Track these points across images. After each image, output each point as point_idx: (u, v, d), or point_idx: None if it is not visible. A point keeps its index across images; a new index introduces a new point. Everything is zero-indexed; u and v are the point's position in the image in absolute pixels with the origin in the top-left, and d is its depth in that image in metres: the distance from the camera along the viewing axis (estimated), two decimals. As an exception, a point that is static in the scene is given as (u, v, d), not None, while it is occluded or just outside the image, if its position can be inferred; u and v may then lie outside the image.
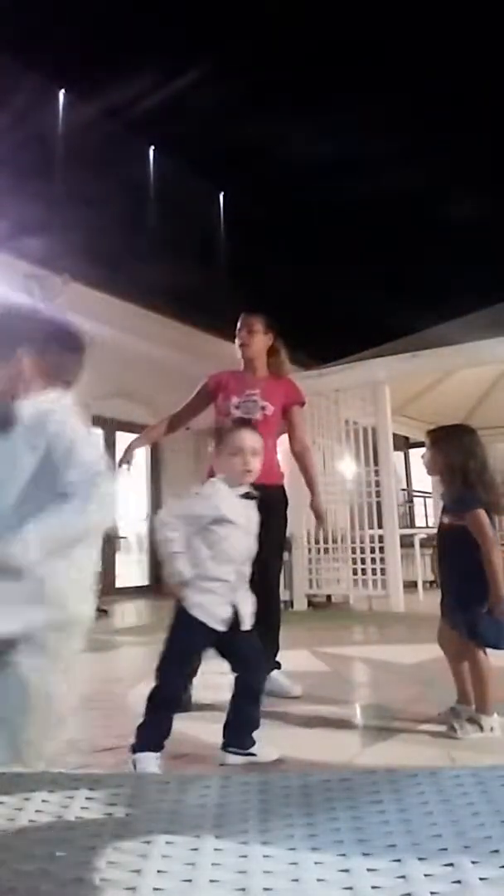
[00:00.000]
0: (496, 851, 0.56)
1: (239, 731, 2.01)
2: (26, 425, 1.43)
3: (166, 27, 14.03)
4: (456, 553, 2.39)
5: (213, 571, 1.98)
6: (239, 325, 3.13)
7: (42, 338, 1.54)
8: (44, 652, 1.37)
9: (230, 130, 13.83)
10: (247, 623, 2.02)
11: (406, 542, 7.25)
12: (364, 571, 6.91)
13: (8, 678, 1.35)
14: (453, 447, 2.44)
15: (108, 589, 8.24)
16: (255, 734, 2.03)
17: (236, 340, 3.12)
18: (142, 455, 9.19)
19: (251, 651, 2.05)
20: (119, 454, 2.98)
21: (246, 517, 2.05)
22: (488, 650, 2.34)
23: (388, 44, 15.71)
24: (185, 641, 2.01)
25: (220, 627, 1.96)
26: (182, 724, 2.47)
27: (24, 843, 0.61)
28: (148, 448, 9.29)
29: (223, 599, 1.99)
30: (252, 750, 2.00)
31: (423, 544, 7.62)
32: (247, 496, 2.08)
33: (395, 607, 6.49)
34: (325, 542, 7.14)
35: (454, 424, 2.62)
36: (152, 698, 1.97)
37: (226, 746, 2.01)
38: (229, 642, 1.99)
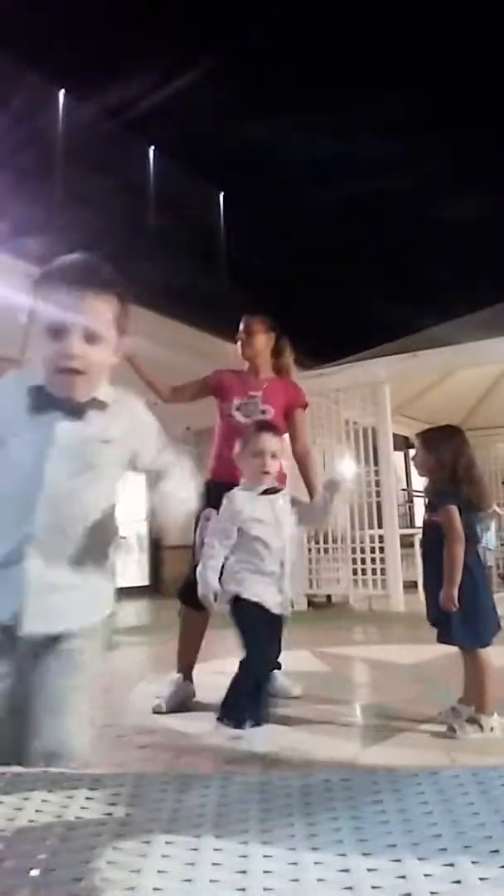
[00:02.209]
0: (496, 851, 0.56)
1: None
2: None
3: (166, 27, 14.05)
4: (434, 550, 2.42)
5: (260, 565, 2.16)
6: (240, 326, 3.15)
7: None
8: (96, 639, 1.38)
9: (230, 130, 13.85)
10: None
11: (406, 542, 7.24)
12: (364, 571, 6.91)
13: (65, 665, 1.32)
14: (445, 447, 2.49)
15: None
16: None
17: (237, 342, 3.13)
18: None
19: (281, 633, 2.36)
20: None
21: (272, 512, 2.20)
22: (487, 649, 2.34)
23: (388, 44, 15.72)
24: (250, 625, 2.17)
25: (276, 610, 2.17)
26: (182, 724, 2.48)
27: (24, 843, 0.61)
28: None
29: (274, 588, 2.18)
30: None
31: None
32: (267, 492, 2.23)
33: (395, 607, 6.48)
34: (325, 541, 7.13)
35: (444, 425, 2.68)
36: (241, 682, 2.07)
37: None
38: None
